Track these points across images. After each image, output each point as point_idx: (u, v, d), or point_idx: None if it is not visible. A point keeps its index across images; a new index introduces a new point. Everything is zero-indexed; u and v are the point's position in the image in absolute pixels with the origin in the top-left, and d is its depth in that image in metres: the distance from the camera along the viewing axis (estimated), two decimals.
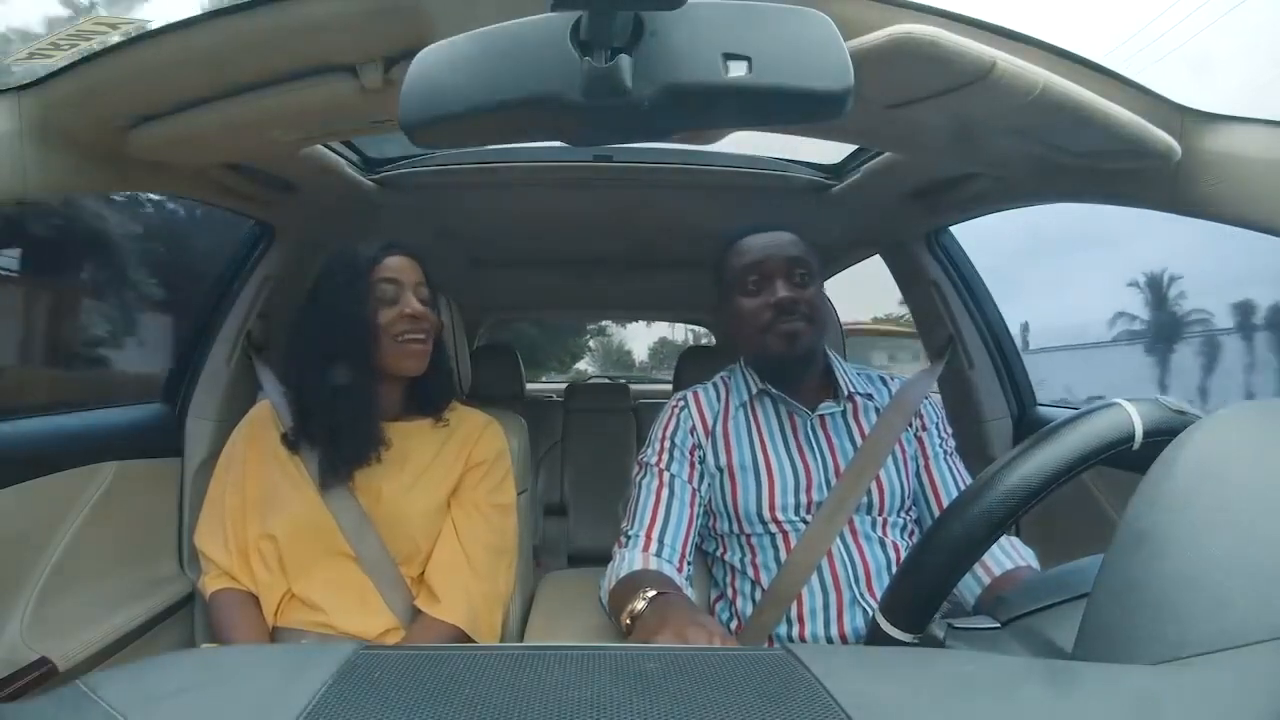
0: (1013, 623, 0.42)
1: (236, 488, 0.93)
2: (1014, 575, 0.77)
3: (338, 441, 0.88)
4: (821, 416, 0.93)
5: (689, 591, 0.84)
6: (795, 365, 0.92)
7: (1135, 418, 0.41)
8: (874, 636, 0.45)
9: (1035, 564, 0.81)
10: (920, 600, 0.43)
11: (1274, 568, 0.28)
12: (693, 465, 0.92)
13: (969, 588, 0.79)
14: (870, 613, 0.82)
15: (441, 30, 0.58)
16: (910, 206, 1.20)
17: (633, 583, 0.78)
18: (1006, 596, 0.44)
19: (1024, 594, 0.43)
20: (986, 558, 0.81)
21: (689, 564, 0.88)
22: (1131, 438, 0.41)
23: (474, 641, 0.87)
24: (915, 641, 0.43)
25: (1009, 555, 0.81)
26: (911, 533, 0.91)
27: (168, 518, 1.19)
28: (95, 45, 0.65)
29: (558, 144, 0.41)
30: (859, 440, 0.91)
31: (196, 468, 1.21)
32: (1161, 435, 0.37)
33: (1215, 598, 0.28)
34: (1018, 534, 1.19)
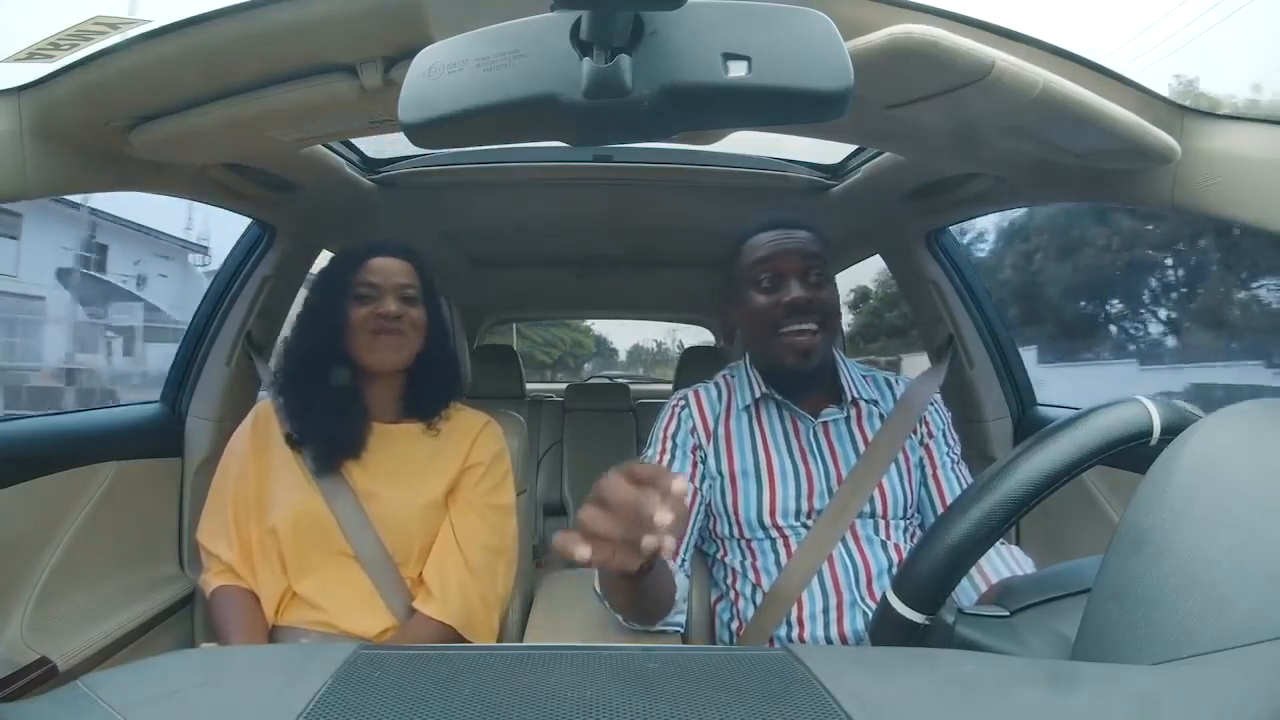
0: (1021, 612, 0.42)
1: (240, 485, 0.93)
2: (1010, 584, 0.77)
3: (324, 434, 0.91)
4: (824, 423, 0.92)
5: (683, 581, 0.84)
6: (805, 378, 0.91)
7: (1154, 414, 0.42)
8: (883, 617, 0.44)
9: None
10: (935, 577, 0.42)
11: (1274, 568, 0.28)
12: (694, 464, 0.92)
13: (965, 594, 0.79)
14: (870, 615, 0.82)
15: (441, 30, 0.58)
16: (910, 206, 1.20)
17: None
18: (1014, 586, 0.45)
19: (1032, 585, 0.44)
20: (984, 564, 0.81)
21: (686, 561, 0.88)
22: (1150, 432, 0.41)
23: (468, 641, 0.87)
24: (926, 622, 0.42)
25: (1007, 563, 0.81)
26: (913, 535, 0.90)
27: (168, 518, 1.20)
28: (95, 45, 0.65)
29: (558, 144, 0.40)
30: (862, 447, 0.91)
31: (196, 468, 1.22)
32: (1174, 434, 0.38)
33: (1215, 597, 0.28)
34: (1018, 538, 1.19)
